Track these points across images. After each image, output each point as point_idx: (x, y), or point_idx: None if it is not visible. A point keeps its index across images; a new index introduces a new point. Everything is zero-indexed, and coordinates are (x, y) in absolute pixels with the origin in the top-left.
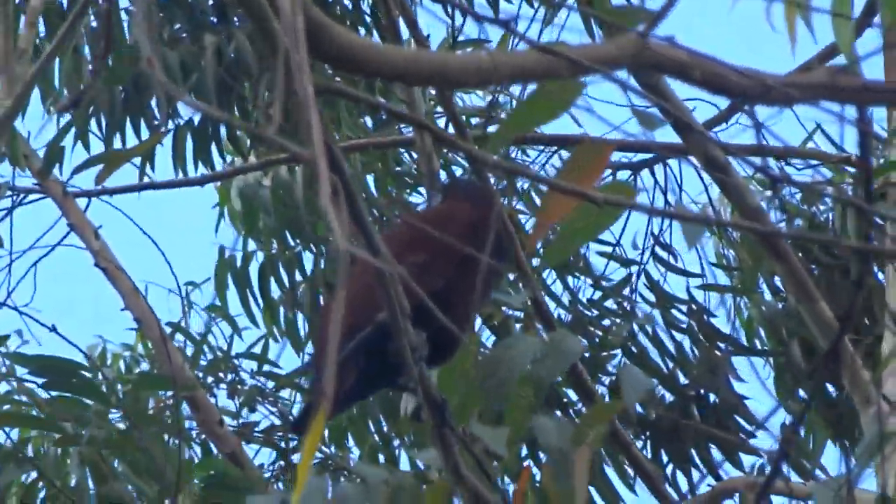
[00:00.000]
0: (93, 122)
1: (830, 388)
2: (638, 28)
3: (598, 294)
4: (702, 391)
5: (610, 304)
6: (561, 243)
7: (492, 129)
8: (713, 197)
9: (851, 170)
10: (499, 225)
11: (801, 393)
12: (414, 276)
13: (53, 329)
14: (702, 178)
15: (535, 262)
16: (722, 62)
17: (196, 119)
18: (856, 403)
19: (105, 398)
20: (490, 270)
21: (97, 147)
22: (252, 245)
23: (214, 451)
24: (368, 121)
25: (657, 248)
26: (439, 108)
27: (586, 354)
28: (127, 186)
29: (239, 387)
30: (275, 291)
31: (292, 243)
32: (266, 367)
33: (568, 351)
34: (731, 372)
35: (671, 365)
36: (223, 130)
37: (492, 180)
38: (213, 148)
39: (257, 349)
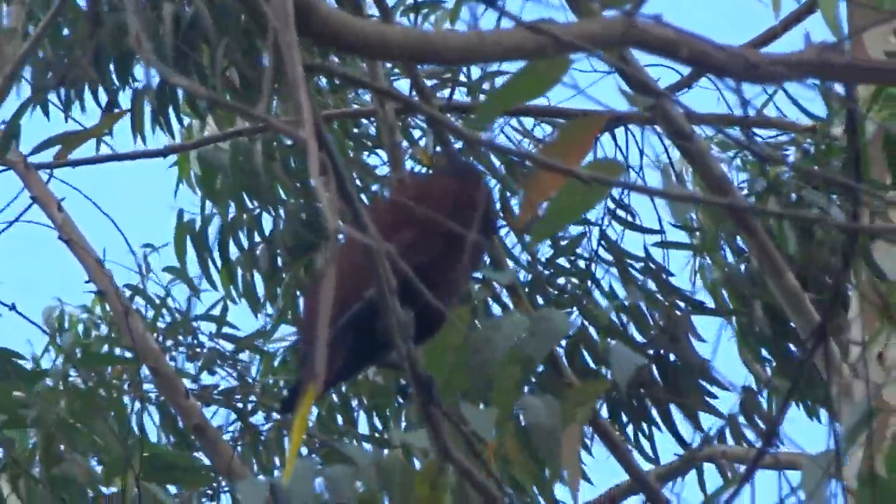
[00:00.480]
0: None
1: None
2: (624, 6)
3: (554, 252)
4: (662, 351)
5: (566, 262)
6: (548, 221)
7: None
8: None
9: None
10: (484, 200)
11: (764, 353)
12: (399, 252)
13: (13, 308)
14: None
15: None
16: (708, 40)
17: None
18: (824, 372)
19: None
20: (475, 246)
21: (56, 115)
22: (211, 208)
23: (180, 422)
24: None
25: (615, 207)
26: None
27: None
28: (89, 158)
29: (198, 350)
30: (234, 253)
31: (251, 205)
32: (225, 330)
33: (555, 329)
34: (692, 332)
35: (629, 323)
36: (181, 95)
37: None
38: (172, 113)
39: (216, 312)
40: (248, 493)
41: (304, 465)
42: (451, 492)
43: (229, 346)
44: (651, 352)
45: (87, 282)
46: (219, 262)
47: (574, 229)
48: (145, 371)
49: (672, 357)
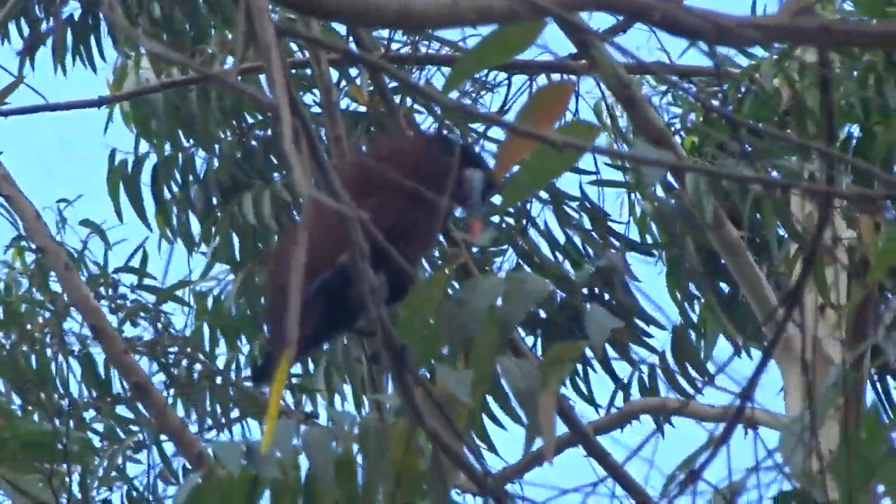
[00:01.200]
0: None
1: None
2: None
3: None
4: (596, 289)
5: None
6: (521, 183)
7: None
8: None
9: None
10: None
11: (694, 290)
12: (371, 215)
13: None
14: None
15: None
16: (681, 4)
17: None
18: (756, 311)
19: None
20: (441, 208)
21: None
22: (144, 147)
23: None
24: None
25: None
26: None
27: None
28: (23, 108)
29: (119, 302)
30: (168, 195)
31: (186, 144)
32: (146, 282)
33: (531, 291)
34: (626, 270)
35: (564, 262)
36: (103, 27)
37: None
38: (95, 46)
39: (135, 263)
40: (226, 453)
41: (283, 427)
42: (424, 456)
43: (151, 298)
44: (585, 290)
45: (21, 237)
46: (153, 204)
47: None
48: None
49: (606, 296)
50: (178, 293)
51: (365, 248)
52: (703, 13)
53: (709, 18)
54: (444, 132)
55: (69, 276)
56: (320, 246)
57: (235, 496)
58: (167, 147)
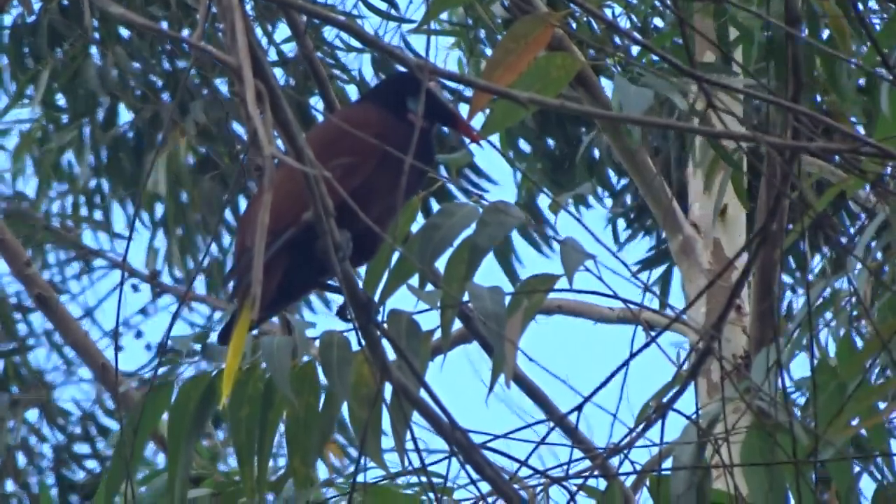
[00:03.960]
0: None
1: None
2: None
3: None
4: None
5: None
6: (497, 118)
7: None
8: None
9: None
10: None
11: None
12: (335, 177)
13: None
14: None
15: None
16: None
17: None
18: (662, 226)
19: None
20: (413, 170)
21: None
22: None
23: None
24: None
25: None
26: None
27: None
28: None
29: None
30: None
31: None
32: None
33: (507, 219)
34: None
35: None
36: None
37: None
38: None
39: None
40: (181, 344)
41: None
42: (388, 408)
43: None
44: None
45: None
46: None
47: None
48: None
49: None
50: None
51: (329, 204)
52: None
53: None
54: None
55: None
56: (286, 206)
57: (193, 397)
58: None
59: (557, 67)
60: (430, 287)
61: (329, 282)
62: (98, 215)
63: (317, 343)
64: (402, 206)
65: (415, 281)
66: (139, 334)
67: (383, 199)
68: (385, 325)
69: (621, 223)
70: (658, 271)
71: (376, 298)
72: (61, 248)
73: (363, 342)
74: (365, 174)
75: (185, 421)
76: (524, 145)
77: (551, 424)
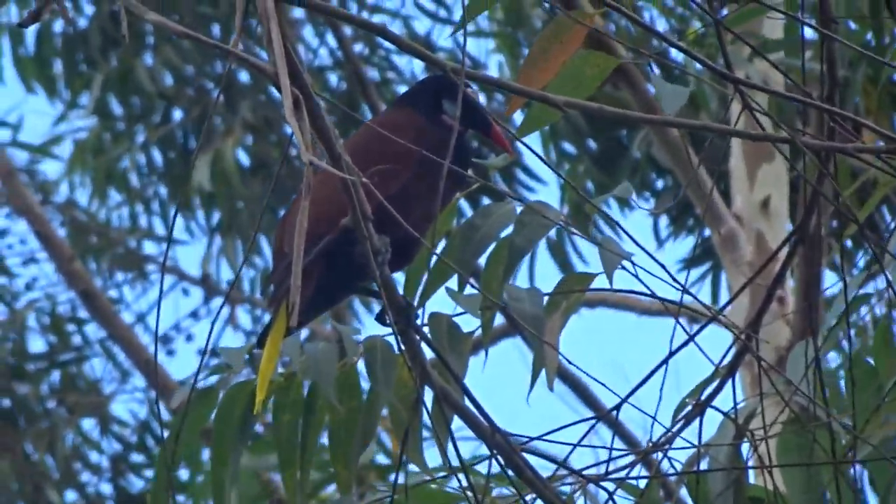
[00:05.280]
0: None
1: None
2: None
3: None
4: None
5: None
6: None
7: None
8: None
9: None
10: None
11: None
12: (374, 181)
13: None
14: None
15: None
16: None
17: None
18: (704, 219)
19: None
20: (450, 174)
21: None
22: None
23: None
24: None
25: None
26: None
27: None
28: None
29: None
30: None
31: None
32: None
33: (544, 220)
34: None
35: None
36: None
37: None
38: None
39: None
40: (231, 356)
41: (290, 341)
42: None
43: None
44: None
45: None
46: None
47: None
48: None
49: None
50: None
51: (368, 210)
52: None
53: None
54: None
55: (13, 184)
56: (325, 211)
57: (237, 403)
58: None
59: (592, 66)
60: (469, 289)
61: (367, 286)
62: (155, 221)
63: (361, 347)
64: (441, 211)
65: (454, 282)
66: (190, 338)
67: (421, 204)
68: (425, 329)
69: (663, 223)
70: (699, 270)
71: (415, 301)
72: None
73: (402, 346)
74: (403, 179)
75: (231, 427)
76: (568, 146)
77: (591, 423)
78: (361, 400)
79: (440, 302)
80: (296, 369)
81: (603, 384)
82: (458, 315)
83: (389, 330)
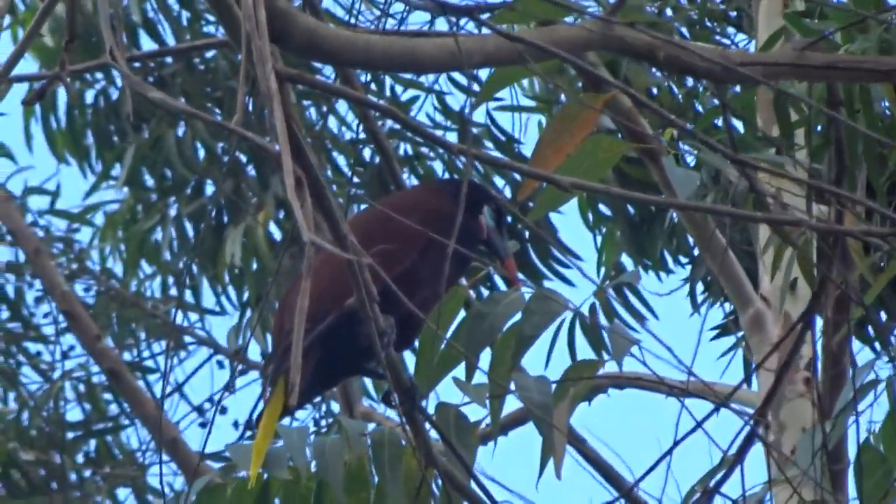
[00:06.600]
0: None
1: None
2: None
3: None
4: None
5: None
6: (543, 204)
7: None
8: None
9: None
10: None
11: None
12: (379, 262)
13: None
14: None
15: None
16: (685, 44)
17: None
18: (732, 300)
19: None
20: (458, 256)
21: None
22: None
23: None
24: None
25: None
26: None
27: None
28: None
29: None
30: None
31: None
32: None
33: (552, 308)
34: None
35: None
36: None
37: None
38: None
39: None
40: (238, 454)
41: (297, 433)
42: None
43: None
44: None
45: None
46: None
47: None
48: None
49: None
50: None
51: (373, 291)
52: (707, 52)
53: (713, 58)
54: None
55: (40, 260)
56: (328, 290)
57: (246, 500)
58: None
59: (604, 150)
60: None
61: (372, 368)
62: (186, 294)
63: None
64: (446, 292)
65: (460, 371)
66: (224, 410)
67: (428, 285)
68: (432, 416)
69: (699, 287)
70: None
71: (423, 389)
72: (150, 325)
73: (407, 428)
74: (409, 260)
75: None
76: (604, 209)
77: None
78: (370, 491)
79: (446, 390)
80: (302, 465)
81: (612, 467)
82: (465, 405)
83: (394, 410)
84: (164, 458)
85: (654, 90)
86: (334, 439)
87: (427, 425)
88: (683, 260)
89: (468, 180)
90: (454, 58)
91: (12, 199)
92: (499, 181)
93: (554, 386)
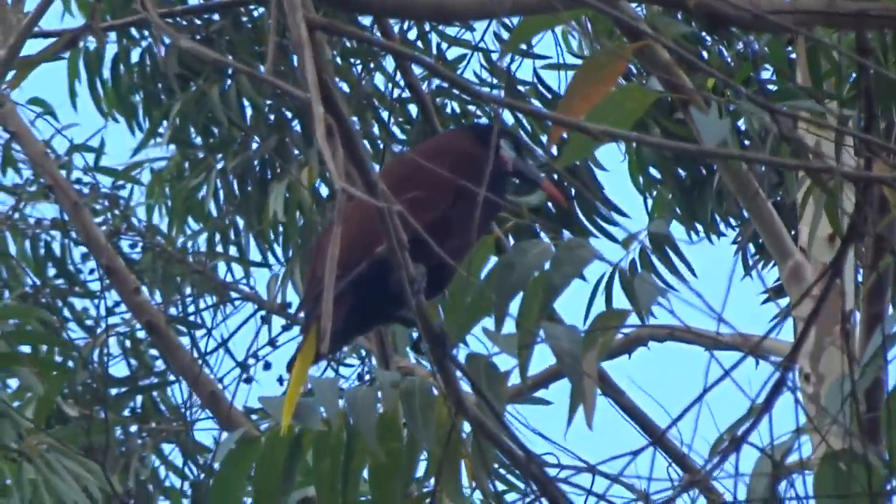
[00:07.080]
0: None
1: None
2: None
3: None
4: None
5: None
6: (574, 148)
7: None
8: None
9: None
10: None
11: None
12: (410, 209)
13: None
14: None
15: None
16: None
17: None
18: (772, 252)
19: None
20: (489, 202)
21: None
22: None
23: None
24: None
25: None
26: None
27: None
28: None
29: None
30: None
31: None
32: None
33: (581, 257)
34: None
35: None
36: None
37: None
38: None
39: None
40: (270, 405)
41: (327, 383)
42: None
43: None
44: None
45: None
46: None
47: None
48: None
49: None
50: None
51: (403, 238)
52: (738, 0)
53: (743, 5)
54: (471, 123)
55: (80, 215)
56: (359, 238)
57: (279, 451)
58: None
59: (632, 99)
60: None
61: (402, 315)
62: (231, 250)
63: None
64: (477, 240)
65: (490, 322)
66: (268, 366)
67: (459, 233)
68: (463, 365)
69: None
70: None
71: (455, 335)
72: (195, 281)
73: (438, 375)
74: (441, 207)
75: (273, 474)
76: (655, 172)
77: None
78: (402, 441)
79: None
80: (333, 416)
81: (647, 417)
82: (496, 355)
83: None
84: (206, 413)
85: (705, 53)
86: (366, 390)
87: (458, 374)
88: (734, 223)
89: (488, 123)
90: (484, 7)
91: (53, 155)
92: (545, 138)
93: (583, 335)
